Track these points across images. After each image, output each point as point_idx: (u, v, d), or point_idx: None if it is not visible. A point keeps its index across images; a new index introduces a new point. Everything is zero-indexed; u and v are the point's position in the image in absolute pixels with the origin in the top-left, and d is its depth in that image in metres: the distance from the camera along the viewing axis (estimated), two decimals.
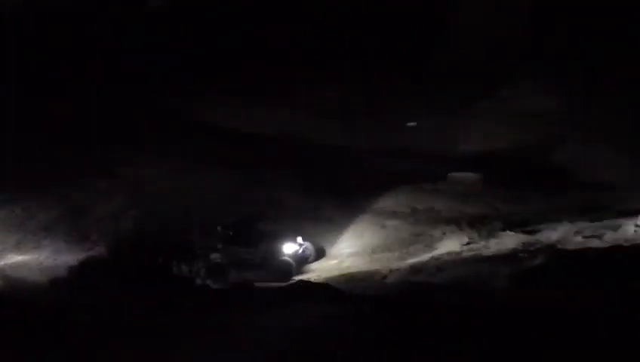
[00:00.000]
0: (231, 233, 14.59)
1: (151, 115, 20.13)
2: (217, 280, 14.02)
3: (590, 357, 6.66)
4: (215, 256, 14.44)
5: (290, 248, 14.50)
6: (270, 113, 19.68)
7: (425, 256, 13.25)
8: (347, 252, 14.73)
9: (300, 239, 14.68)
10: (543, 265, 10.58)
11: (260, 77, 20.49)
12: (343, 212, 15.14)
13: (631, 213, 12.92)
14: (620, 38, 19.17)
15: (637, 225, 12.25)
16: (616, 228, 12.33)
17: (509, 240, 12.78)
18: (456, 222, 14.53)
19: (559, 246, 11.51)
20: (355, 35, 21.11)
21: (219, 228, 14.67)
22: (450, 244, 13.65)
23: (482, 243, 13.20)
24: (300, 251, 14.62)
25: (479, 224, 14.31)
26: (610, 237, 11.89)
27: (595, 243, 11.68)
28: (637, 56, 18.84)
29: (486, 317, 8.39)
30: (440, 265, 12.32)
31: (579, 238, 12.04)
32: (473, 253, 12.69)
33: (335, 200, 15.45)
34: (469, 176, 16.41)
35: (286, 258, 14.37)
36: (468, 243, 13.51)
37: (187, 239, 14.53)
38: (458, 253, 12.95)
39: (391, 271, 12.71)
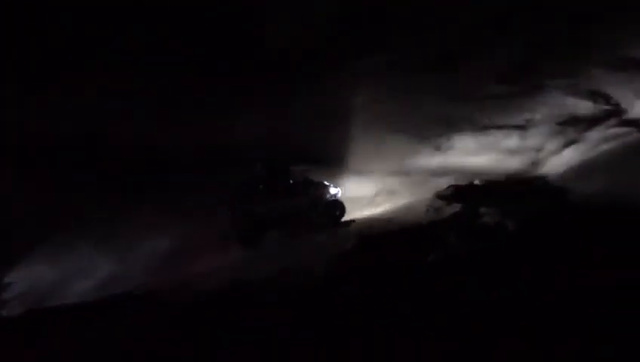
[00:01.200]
0: (264, 186, 13.30)
1: None
2: (250, 244, 13.19)
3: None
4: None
5: (334, 190, 13.93)
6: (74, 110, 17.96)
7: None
8: None
9: (327, 182, 14.09)
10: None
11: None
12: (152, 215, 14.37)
13: None
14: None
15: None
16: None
17: None
18: None
19: None
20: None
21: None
22: None
23: None
24: (339, 193, 14.05)
25: None
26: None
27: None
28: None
29: None
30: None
31: None
32: None
33: (149, 203, 14.66)
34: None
35: (336, 198, 13.77)
36: None
37: None
38: None
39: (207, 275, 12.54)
